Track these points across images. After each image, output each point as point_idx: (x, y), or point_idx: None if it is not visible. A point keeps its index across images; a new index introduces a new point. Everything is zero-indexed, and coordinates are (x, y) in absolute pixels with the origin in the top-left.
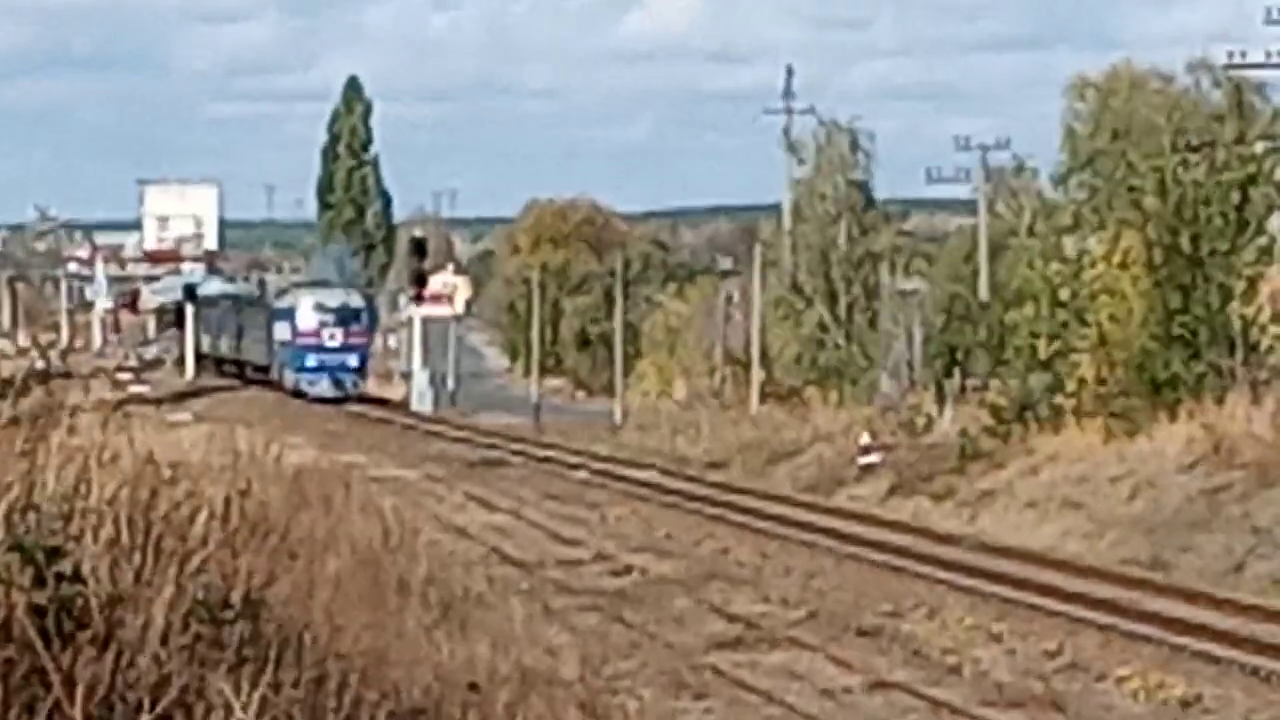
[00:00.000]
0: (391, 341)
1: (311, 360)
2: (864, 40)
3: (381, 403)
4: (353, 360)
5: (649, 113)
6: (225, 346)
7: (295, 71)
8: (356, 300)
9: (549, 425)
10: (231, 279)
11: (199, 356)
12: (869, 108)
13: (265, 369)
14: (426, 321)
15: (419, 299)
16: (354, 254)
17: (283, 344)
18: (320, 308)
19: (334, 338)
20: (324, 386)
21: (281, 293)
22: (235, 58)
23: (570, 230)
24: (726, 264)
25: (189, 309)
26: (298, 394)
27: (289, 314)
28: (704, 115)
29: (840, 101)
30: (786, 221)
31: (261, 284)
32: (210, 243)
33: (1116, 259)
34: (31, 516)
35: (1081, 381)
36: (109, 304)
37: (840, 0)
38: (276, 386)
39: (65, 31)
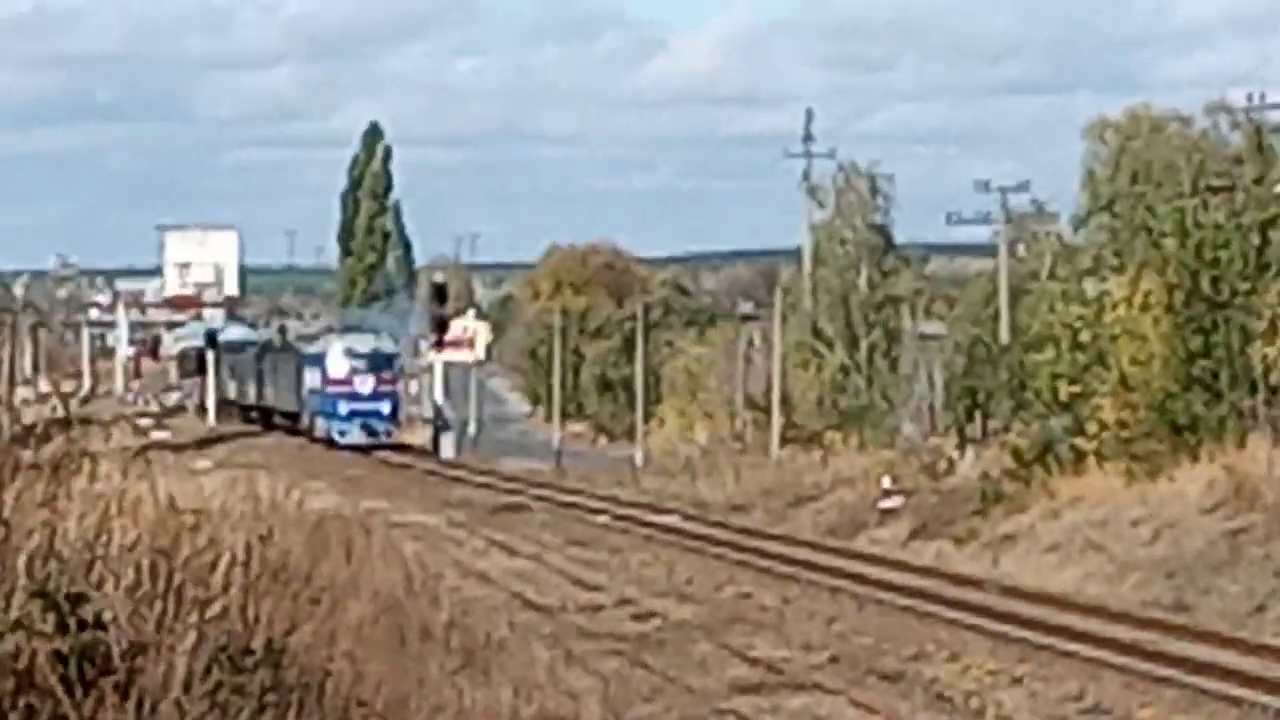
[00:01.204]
0: (413, 387)
1: (343, 408)
2: (886, 83)
3: (402, 448)
4: (385, 407)
5: (670, 158)
6: (252, 393)
7: (316, 118)
8: (389, 346)
9: (571, 470)
10: (253, 325)
11: (225, 403)
12: (890, 151)
13: (294, 416)
14: (448, 366)
15: (440, 344)
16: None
17: (313, 391)
18: (351, 354)
19: (366, 384)
20: (356, 435)
21: (311, 338)
22: (257, 104)
23: (591, 275)
24: (747, 308)
25: (210, 355)
26: (329, 443)
27: (319, 360)
28: (725, 160)
29: (861, 145)
30: (807, 265)
31: (283, 330)
32: (231, 289)
33: (1137, 301)
34: (53, 563)
35: (1103, 424)
36: (130, 350)
37: (862, 44)
38: (306, 434)
39: (88, 79)
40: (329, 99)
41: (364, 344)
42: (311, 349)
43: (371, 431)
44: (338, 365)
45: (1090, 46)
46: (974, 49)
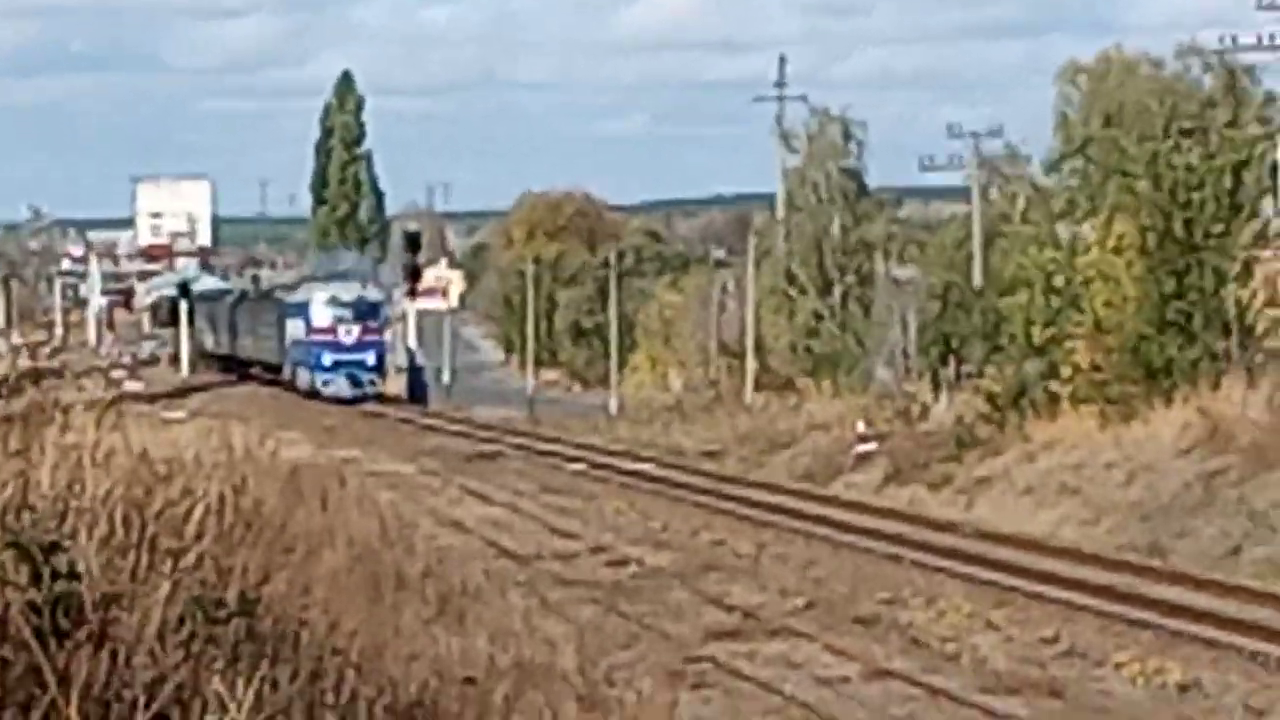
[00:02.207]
0: (387, 336)
1: (327, 358)
2: (860, 28)
3: (377, 397)
4: (370, 358)
5: (646, 105)
6: (232, 345)
7: (289, 67)
8: (373, 294)
9: (545, 418)
10: (225, 275)
11: (203, 355)
12: (865, 96)
13: (277, 368)
14: (421, 315)
15: (413, 293)
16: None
17: (295, 342)
18: (335, 302)
19: (350, 334)
20: (340, 386)
21: (289, 288)
22: (229, 54)
23: (564, 223)
24: (720, 254)
25: (184, 306)
26: (312, 394)
27: (302, 310)
28: (700, 106)
29: (835, 90)
30: (780, 211)
31: (255, 280)
32: (204, 239)
33: (1110, 244)
34: (26, 515)
35: (1077, 368)
36: (103, 301)
37: None
38: (288, 386)
39: (61, 30)
40: (302, 48)
41: (348, 292)
42: (293, 298)
43: (356, 383)
44: (321, 314)
45: None
46: None
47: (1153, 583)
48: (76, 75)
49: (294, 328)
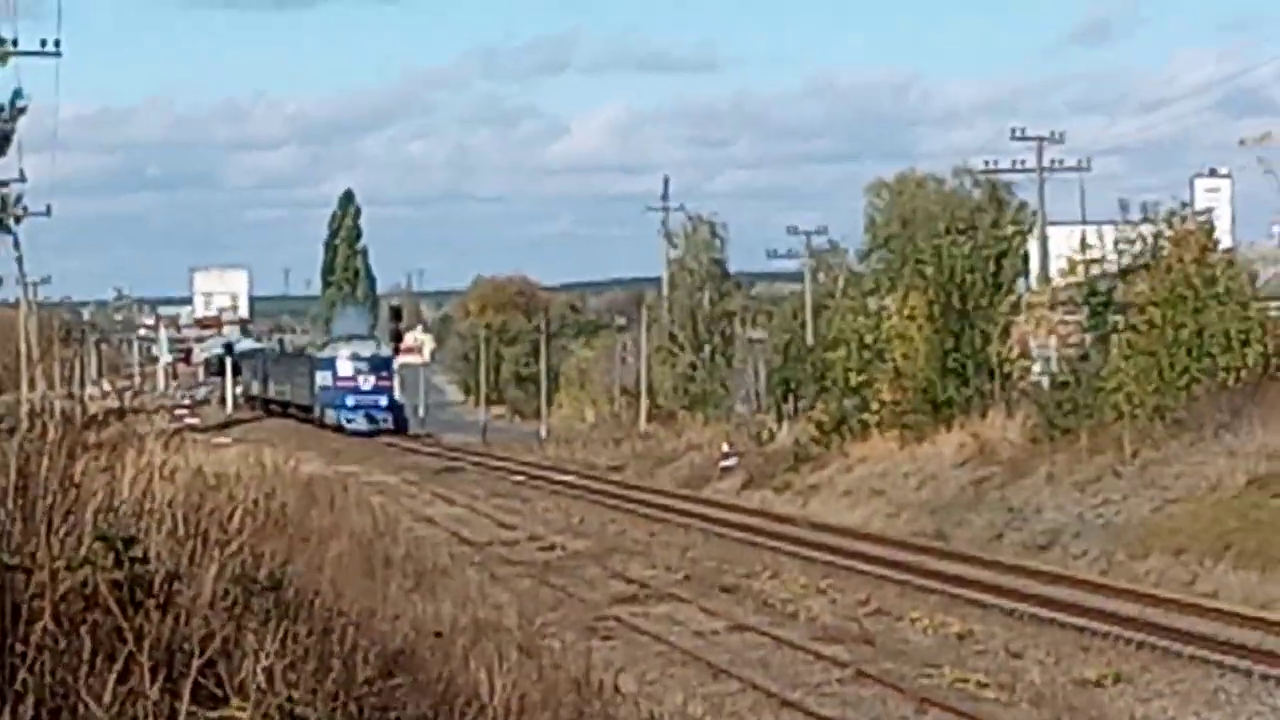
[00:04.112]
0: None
1: (350, 401)
2: (727, 156)
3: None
4: (383, 400)
5: (569, 212)
6: (273, 391)
7: (308, 186)
8: (385, 351)
9: (494, 442)
10: (259, 339)
11: (248, 398)
12: (728, 205)
13: (308, 408)
14: (402, 367)
15: (397, 351)
16: (369, 310)
17: (324, 388)
18: (355, 358)
19: (368, 382)
20: (360, 423)
21: (321, 347)
22: (265, 176)
23: (508, 299)
24: (622, 322)
25: (228, 361)
26: (338, 429)
27: (330, 364)
28: (608, 213)
29: (707, 201)
30: (665, 289)
31: (281, 342)
32: (243, 312)
33: (906, 313)
34: (111, 515)
35: (882, 403)
36: (169, 358)
37: (710, 128)
38: (317, 423)
39: (140, 158)
40: (318, 172)
41: (366, 349)
42: (322, 354)
43: (372, 420)
44: (345, 367)
45: (875, 128)
46: (791, 131)
47: (938, 560)
48: (151, 192)
49: (323, 377)
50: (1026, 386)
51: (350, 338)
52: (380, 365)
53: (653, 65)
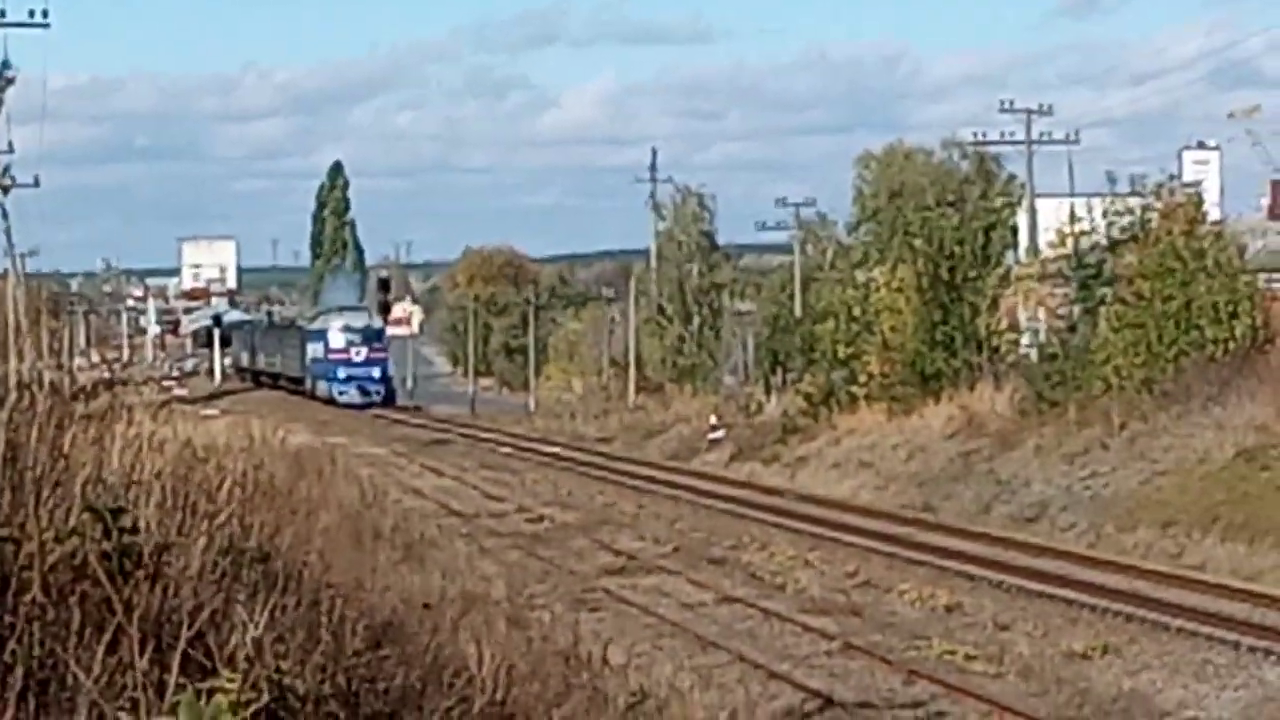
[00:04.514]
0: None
1: (342, 373)
2: (717, 129)
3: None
4: (376, 373)
5: (557, 184)
6: (263, 362)
7: (297, 157)
8: (378, 322)
9: (482, 413)
10: (247, 310)
11: (242, 371)
12: (718, 177)
13: (299, 380)
14: (391, 338)
15: (385, 323)
16: (362, 278)
17: (315, 360)
18: (348, 329)
19: (360, 354)
20: (353, 395)
21: (313, 318)
22: (253, 147)
23: (496, 271)
24: (610, 294)
25: (217, 333)
26: (330, 402)
27: (321, 335)
28: (597, 185)
29: (697, 173)
30: (653, 262)
31: (270, 314)
32: (231, 284)
33: (894, 286)
34: (100, 487)
35: (870, 375)
36: (157, 329)
37: (701, 100)
38: (308, 395)
39: (129, 130)
40: (307, 143)
41: (358, 320)
42: (314, 326)
43: (365, 392)
44: (337, 339)
45: (866, 100)
46: (783, 103)
47: (926, 532)
48: (139, 163)
49: (314, 349)
50: (1015, 359)
51: (342, 309)
52: (373, 337)
53: (644, 37)
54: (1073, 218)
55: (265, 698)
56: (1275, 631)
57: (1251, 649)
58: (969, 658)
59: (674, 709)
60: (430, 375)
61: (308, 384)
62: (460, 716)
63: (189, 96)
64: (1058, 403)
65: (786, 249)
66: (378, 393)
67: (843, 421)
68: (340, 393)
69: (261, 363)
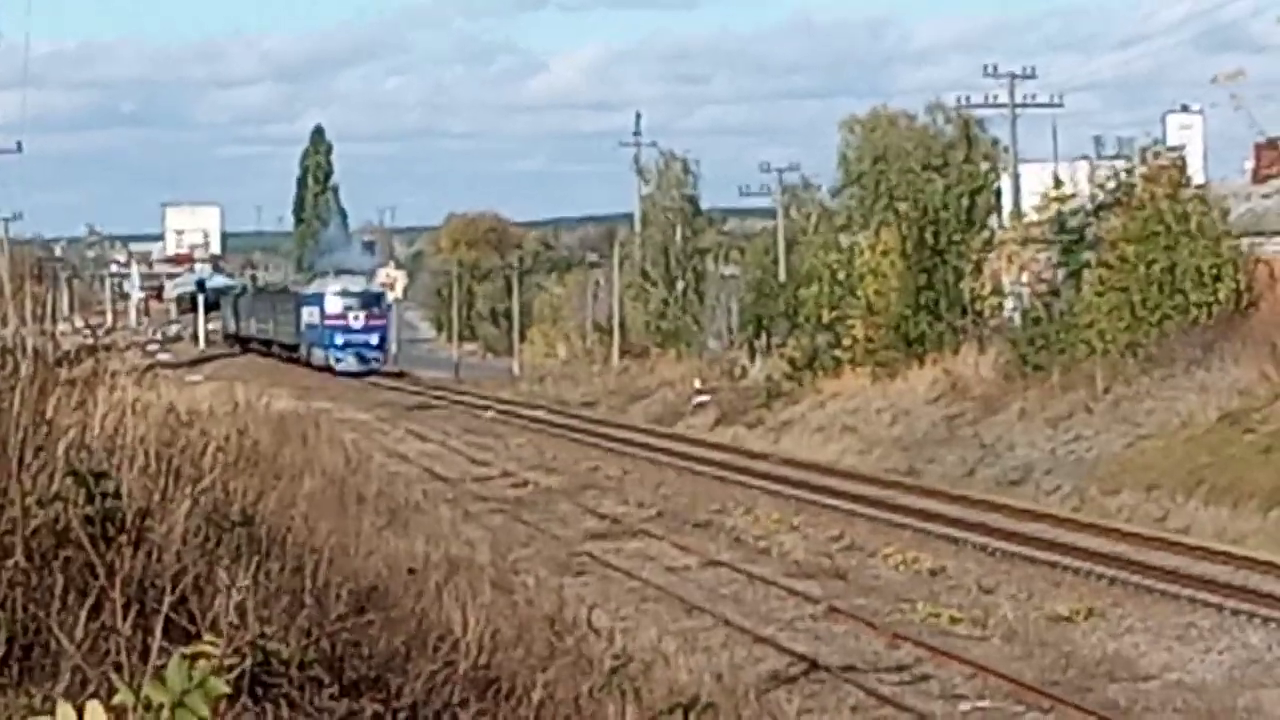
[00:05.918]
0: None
1: (339, 339)
2: (702, 93)
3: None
4: (374, 339)
5: (541, 149)
6: (255, 328)
7: (282, 123)
8: (376, 287)
9: (466, 378)
10: (231, 275)
11: (230, 337)
12: (702, 142)
13: (294, 347)
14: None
15: None
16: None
17: (311, 326)
18: (345, 294)
19: (358, 319)
20: (350, 362)
21: (308, 281)
22: (238, 113)
23: (480, 235)
24: (594, 258)
25: (201, 298)
26: (326, 369)
27: (318, 300)
28: (581, 150)
29: (682, 138)
30: (637, 226)
31: (254, 278)
32: (215, 249)
33: (879, 249)
34: (84, 452)
35: (854, 339)
36: (141, 295)
37: (686, 65)
38: (303, 362)
39: (113, 96)
40: (293, 109)
41: (356, 285)
42: (308, 290)
43: (363, 359)
44: (334, 304)
45: (851, 65)
46: (769, 68)
47: (910, 496)
48: (124, 128)
49: (310, 314)
50: (999, 323)
51: (339, 272)
52: (371, 301)
53: (632, 2)
54: (1057, 182)
55: (249, 662)
56: (1258, 594)
57: (1235, 611)
58: (953, 621)
59: (658, 673)
60: (414, 340)
61: (302, 351)
62: (445, 681)
63: (175, 63)
64: (1041, 366)
65: (771, 213)
66: (376, 360)
67: (827, 385)
68: (337, 360)
69: (253, 328)
